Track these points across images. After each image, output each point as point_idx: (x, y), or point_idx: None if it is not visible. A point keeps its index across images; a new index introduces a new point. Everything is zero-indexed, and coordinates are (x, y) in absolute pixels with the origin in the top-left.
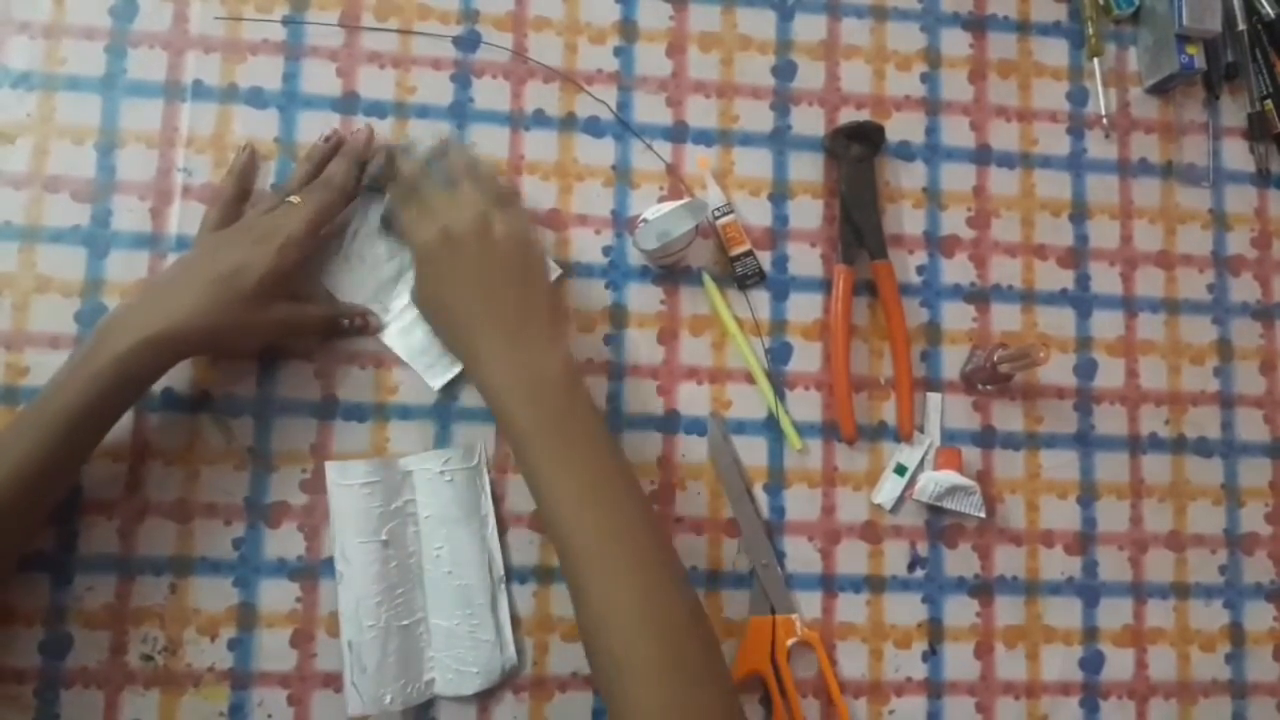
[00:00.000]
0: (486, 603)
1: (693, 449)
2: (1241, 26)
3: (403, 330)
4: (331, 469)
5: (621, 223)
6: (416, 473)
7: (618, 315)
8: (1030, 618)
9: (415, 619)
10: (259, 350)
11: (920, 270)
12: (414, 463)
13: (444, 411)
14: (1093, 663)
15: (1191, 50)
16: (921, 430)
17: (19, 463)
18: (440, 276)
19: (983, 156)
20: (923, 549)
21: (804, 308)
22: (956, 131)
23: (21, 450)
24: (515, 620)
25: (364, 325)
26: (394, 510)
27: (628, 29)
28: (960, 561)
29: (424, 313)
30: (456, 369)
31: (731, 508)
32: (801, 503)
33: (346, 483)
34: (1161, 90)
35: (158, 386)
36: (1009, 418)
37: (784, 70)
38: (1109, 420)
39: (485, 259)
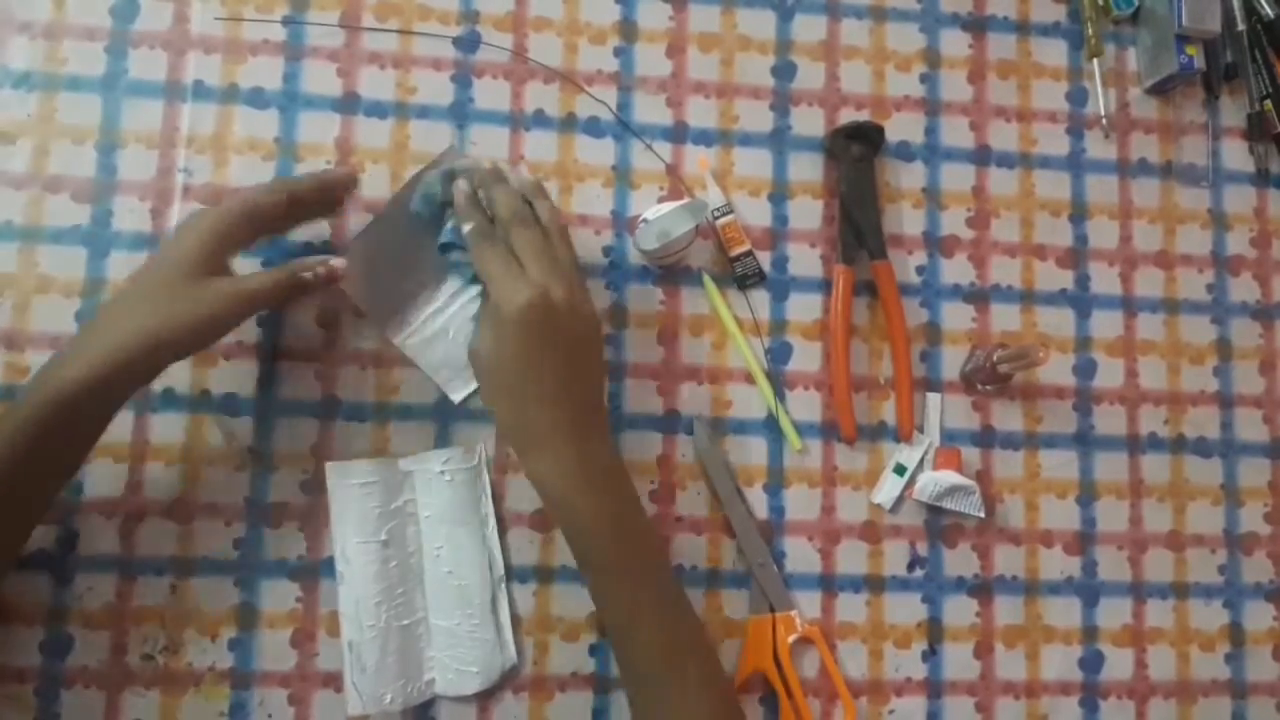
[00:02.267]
0: (486, 602)
1: (693, 449)
2: (1241, 27)
3: (424, 341)
4: (331, 469)
5: (621, 223)
6: (416, 473)
7: (618, 315)
8: (1030, 617)
9: (415, 619)
10: (225, 332)
11: (920, 270)
12: (414, 463)
13: (444, 412)
14: (1092, 662)
15: (1191, 51)
16: (921, 430)
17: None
18: (522, 343)
19: (982, 157)
20: (922, 549)
21: (804, 308)
22: (956, 132)
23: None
24: (515, 620)
25: (328, 273)
26: (394, 510)
27: (628, 29)
28: (960, 561)
29: (487, 373)
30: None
31: (723, 509)
32: (801, 503)
33: (347, 483)
34: (1161, 91)
35: (157, 386)
36: (1008, 418)
37: (784, 70)
38: (1108, 420)
39: (572, 336)
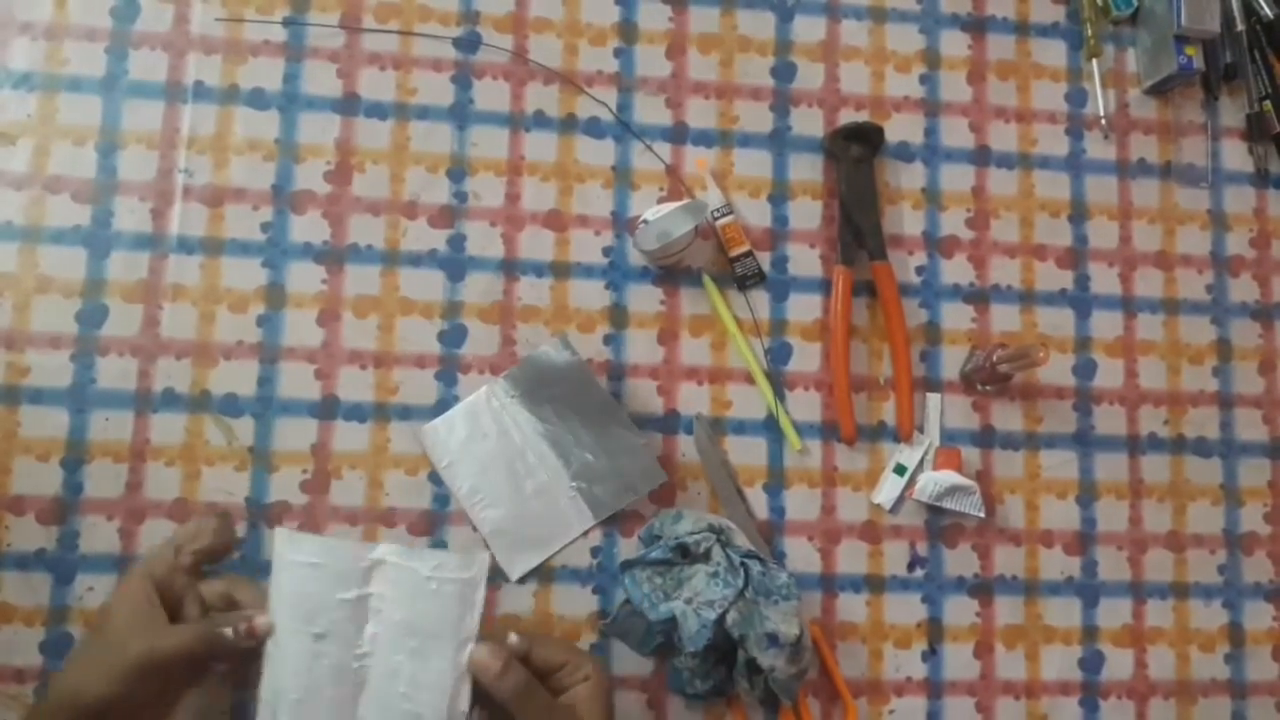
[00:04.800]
0: None
1: (693, 449)
2: (1240, 27)
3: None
4: (280, 537)
5: (622, 223)
6: (390, 566)
7: (618, 315)
8: (1030, 617)
9: None
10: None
11: (919, 271)
12: (394, 555)
13: (443, 411)
14: (1092, 662)
15: (1190, 51)
16: (921, 430)
17: None
18: None
19: (982, 157)
20: (922, 549)
21: (804, 308)
22: (955, 132)
23: None
24: None
25: (248, 630)
26: (341, 602)
27: (628, 30)
28: (960, 561)
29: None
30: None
31: (724, 509)
32: (801, 503)
33: (292, 558)
34: (1160, 91)
35: (158, 385)
36: (1008, 418)
37: (783, 71)
38: (1108, 420)
39: None
